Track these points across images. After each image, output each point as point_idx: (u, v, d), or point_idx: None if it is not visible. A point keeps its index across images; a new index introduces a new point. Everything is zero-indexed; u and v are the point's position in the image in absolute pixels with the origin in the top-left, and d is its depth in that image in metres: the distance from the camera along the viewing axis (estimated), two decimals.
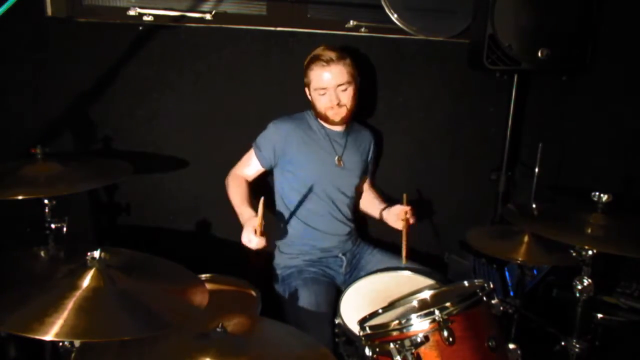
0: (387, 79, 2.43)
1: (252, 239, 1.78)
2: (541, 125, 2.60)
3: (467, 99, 2.53)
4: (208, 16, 2.24)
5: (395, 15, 2.35)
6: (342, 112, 2.02)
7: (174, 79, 2.23)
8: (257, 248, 1.78)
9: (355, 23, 2.40)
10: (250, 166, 2.11)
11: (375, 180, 2.40)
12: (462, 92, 2.51)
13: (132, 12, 2.17)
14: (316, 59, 1.99)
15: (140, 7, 2.17)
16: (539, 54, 2.17)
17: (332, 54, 1.98)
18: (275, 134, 2.06)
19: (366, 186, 2.32)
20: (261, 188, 2.14)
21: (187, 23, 2.23)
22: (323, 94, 2.00)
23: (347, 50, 2.08)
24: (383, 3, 2.33)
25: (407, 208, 1.97)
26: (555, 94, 2.58)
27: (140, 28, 2.16)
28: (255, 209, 1.82)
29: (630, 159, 2.33)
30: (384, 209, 2.13)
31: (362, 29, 2.41)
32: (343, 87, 1.99)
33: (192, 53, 2.22)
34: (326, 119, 2.05)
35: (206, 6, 2.26)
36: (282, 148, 2.05)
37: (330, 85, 1.98)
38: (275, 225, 2.12)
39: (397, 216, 2.01)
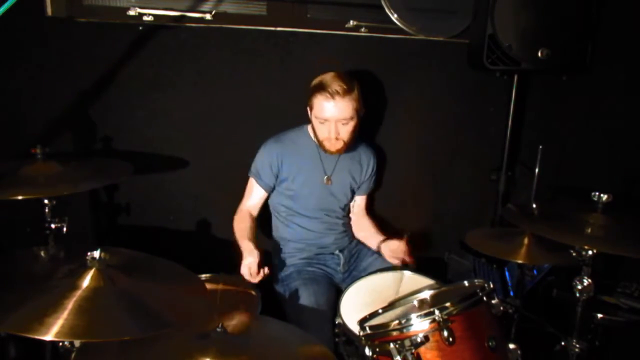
0: (387, 79, 2.43)
1: (245, 274, 1.77)
2: (541, 125, 2.60)
3: (467, 99, 2.53)
4: (208, 16, 2.25)
5: (395, 15, 2.35)
6: (338, 145, 1.98)
7: (174, 79, 2.23)
8: (256, 282, 1.78)
9: (355, 23, 2.40)
10: (253, 195, 2.10)
11: (370, 205, 2.35)
12: (462, 92, 2.51)
13: (132, 12, 2.17)
14: (322, 88, 1.91)
15: (140, 7, 2.17)
16: (539, 54, 2.17)
17: (339, 87, 1.89)
18: (268, 156, 2.05)
19: (361, 213, 2.26)
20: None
21: (187, 23, 2.23)
22: (322, 124, 1.96)
23: (356, 76, 2.02)
24: (383, 3, 2.33)
25: (404, 247, 1.93)
26: (555, 94, 2.58)
27: (140, 28, 2.16)
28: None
29: (630, 159, 2.33)
30: (382, 241, 2.08)
31: (362, 29, 2.41)
32: (344, 122, 1.94)
33: (192, 53, 2.22)
34: (322, 146, 2.02)
35: (206, 6, 2.27)
36: (277, 166, 2.05)
37: (331, 118, 1.93)
38: (270, 233, 2.15)
39: (393, 252, 1.99)
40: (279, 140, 2.08)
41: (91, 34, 2.13)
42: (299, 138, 2.09)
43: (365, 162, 2.18)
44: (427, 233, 2.56)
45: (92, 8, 2.20)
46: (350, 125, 1.96)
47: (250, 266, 1.76)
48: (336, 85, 1.90)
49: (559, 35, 2.19)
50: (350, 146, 2.05)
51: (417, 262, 2.00)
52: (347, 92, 1.91)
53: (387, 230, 2.22)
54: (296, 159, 2.06)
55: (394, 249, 1.98)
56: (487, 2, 2.15)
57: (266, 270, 1.76)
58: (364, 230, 2.24)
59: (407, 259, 1.94)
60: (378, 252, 2.13)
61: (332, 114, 1.92)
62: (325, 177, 2.08)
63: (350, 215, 2.26)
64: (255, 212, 2.09)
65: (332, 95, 1.89)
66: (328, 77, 1.94)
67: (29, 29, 2.04)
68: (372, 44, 2.39)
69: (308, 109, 2.01)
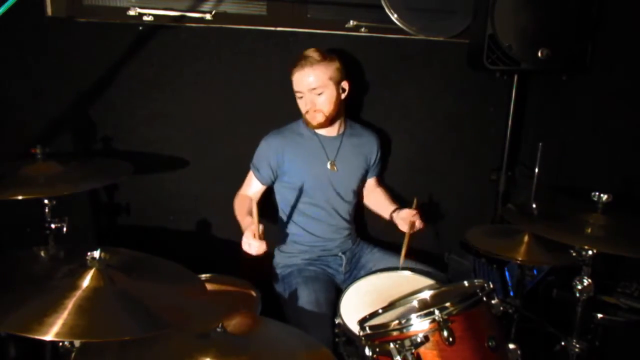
0: (387, 79, 2.43)
1: (251, 244, 1.74)
2: (541, 125, 2.60)
3: (467, 99, 2.53)
4: (208, 16, 2.25)
5: (395, 15, 2.35)
6: (319, 117, 1.99)
7: (174, 79, 2.23)
8: (257, 253, 1.75)
9: (355, 23, 2.40)
10: (251, 186, 2.11)
11: (381, 178, 2.38)
12: (462, 92, 2.51)
13: (132, 12, 2.17)
14: (296, 62, 1.97)
15: (140, 7, 2.17)
16: (539, 54, 2.17)
17: (310, 57, 1.94)
18: (268, 150, 2.05)
19: (373, 185, 2.30)
20: (265, 196, 2.15)
21: (187, 23, 2.23)
22: (300, 98, 1.99)
23: (337, 53, 2.04)
24: (383, 3, 2.33)
25: (414, 212, 1.95)
26: (555, 94, 2.58)
27: (140, 28, 2.16)
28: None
29: (630, 159, 2.33)
30: (394, 211, 2.10)
31: (362, 29, 2.41)
32: (318, 92, 1.95)
33: (192, 53, 2.22)
34: (307, 123, 2.04)
35: (206, 6, 2.27)
36: (277, 162, 2.05)
37: (302, 89, 1.96)
38: (276, 231, 2.12)
39: (404, 220, 1.99)
40: (279, 132, 2.09)
41: (91, 34, 2.13)
42: (298, 128, 2.10)
43: (369, 147, 2.18)
44: (427, 233, 2.56)
45: (92, 8, 2.20)
46: (326, 95, 1.97)
47: (250, 239, 1.74)
48: (307, 57, 1.95)
49: (559, 35, 2.19)
50: (333, 120, 2.03)
51: (417, 262, 2.00)
52: (318, 61, 1.94)
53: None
54: (298, 149, 2.05)
55: (405, 216, 1.98)
56: (487, 2, 2.15)
57: (264, 246, 1.73)
58: (376, 198, 2.27)
59: (417, 224, 1.94)
60: (378, 247, 2.16)
61: (303, 83, 1.95)
62: (329, 162, 2.07)
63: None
64: (254, 199, 2.10)
65: (302, 66, 1.94)
66: (304, 52, 1.99)
67: (29, 29, 2.04)
68: (372, 44, 2.39)
69: None
